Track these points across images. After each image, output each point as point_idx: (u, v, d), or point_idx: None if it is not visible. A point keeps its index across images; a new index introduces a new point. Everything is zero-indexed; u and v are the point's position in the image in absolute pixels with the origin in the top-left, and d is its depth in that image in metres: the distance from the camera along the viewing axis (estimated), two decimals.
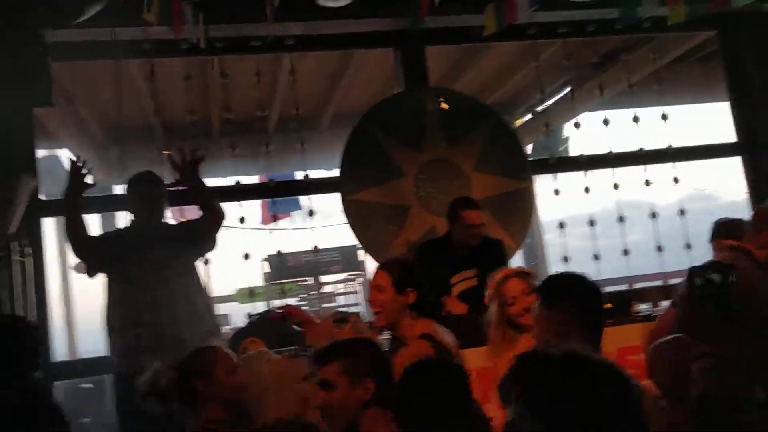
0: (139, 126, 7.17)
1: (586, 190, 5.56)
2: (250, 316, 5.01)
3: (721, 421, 1.83)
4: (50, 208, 4.81)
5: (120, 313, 3.72)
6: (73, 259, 10.36)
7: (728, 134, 5.83)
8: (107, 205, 5.88)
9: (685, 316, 1.99)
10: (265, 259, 11.79)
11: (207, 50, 4.48)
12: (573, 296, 2.01)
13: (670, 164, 5.58)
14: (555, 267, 10.47)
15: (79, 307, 9.93)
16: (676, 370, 2.14)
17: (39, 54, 4.14)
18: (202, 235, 3.95)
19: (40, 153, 7.99)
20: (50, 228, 9.07)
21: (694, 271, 2.02)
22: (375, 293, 2.83)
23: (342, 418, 2.16)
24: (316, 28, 4.92)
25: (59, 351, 5.88)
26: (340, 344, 2.36)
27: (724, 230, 3.03)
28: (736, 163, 5.80)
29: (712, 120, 7.79)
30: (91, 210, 6.38)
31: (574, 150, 7.66)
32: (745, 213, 5.52)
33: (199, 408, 2.57)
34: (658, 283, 5.42)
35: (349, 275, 12.25)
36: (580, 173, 5.53)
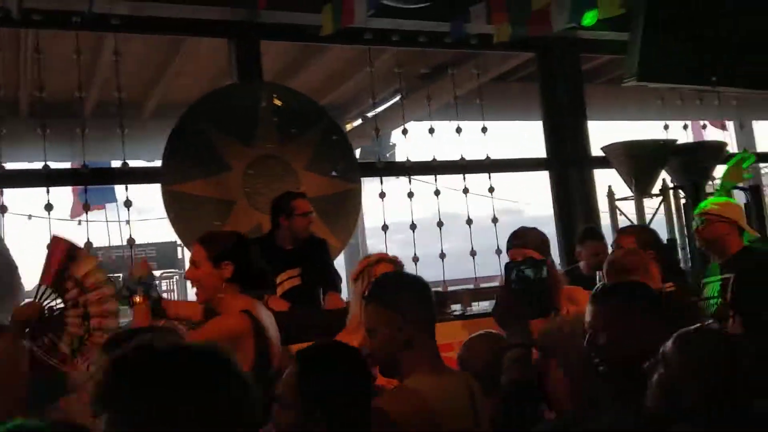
0: None
1: (410, 195, 5.77)
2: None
3: (526, 408, 1.97)
4: None
5: None
6: None
7: (539, 151, 6.31)
8: None
9: (501, 309, 2.11)
10: None
11: (22, 22, 4.12)
12: (411, 295, 2.06)
13: (486, 175, 5.94)
14: None
15: None
16: (485, 359, 2.31)
17: None
18: None
19: None
20: None
21: (508, 266, 2.15)
22: (191, 268, 2.72)
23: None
24: (145, 9, 4.68)
25: None
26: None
27: (518, 240, 3.27)
28: (544, 178, 6.29)
29: (527, 137, 8.40)
30: None
31: (401, 157, 7.92)
32: (550, 226, 6.04)
33: None
34: (470, 286, 5.75)
35: (166, 272, 11.76)
36: (405, 180, 5.75)
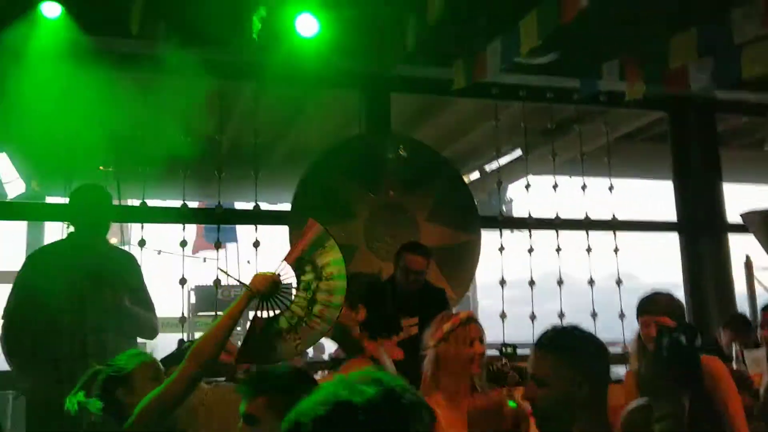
0: (86, 138, 6.93)
1: (530, 250, 5.66)
2: (182, 342, 4.84)
3: None
4: None
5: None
6: None
7: (666, 212, 6.07)
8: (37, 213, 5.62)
9: (650, 377, 2.00)
10: (192, 289, 11.51)
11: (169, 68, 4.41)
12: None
13: (611, 234, 5.75)
14: (489, 324, 10.58)
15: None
16: None
17: None
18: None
19: None
20: None
21: (661, 331, 2.03)
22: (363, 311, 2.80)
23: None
24: (287, 60, 4.90)
25: None
26: (270, 377, 2.20)
27: (651, 306, 3.11)
28: (673, 241, 6.02)
29: (656, 197, 8.11)
30: (19, 217, 6.17)
31: (518, 212, 7.83)
32: (679, 292, 5.75)
33: (124, 417, 2.46)
34: None
35: None
36: (521, 235, 5.66)
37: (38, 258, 3.77)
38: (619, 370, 6.00)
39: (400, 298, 4.16)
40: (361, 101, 5.35)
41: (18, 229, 8.70)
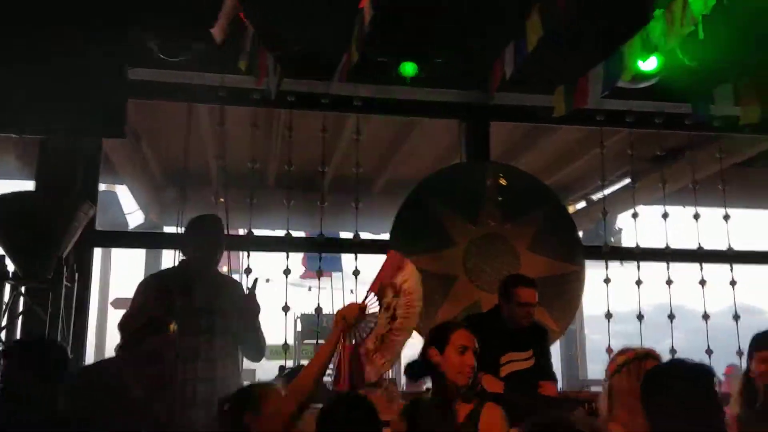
0: (199, 171, 7.30)
1: (638, 282, 5.43)
2: (282, 369, 4.94)
3: None
4: (103, 239, 4.87)
5: None
6: (113, 294, 10.51)
7: None
8: (158, 242, 5.92)
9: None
10: (298, 317, 11.72)
11: (277, 103, 4.58)
12: None
13: (726, 266, 5.44)
14: (594, 358, 10.20)
15: (110, 341, 9.98)
16: None
17: (119, 88, 4.26)
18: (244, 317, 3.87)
19: (100, 187, 8.21)
20: (97, 259, 9.23)
21: None
22: (471, 356, 2.80)
23: None
24: (385, 91, 5.00)
25: None
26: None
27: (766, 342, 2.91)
28: None
29: None
30: (141, 245, 6.51)
31: (627, 243, 7.53)
32: None
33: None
34: None
35: None
36: (630, 267, 5.44)
37: (151, 283, 3.89)
38: None
39: (507, 332, 4.06)
40: (460, 130, 5.35)
41: (137, 258, 9.18)
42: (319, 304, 5.30)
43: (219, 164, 6.32)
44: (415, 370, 2.97)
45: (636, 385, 2.67)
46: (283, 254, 5.20)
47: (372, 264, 5.75)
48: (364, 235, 5.36)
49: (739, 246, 5.55)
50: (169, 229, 7.74)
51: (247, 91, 4.74)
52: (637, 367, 2.77)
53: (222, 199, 6.12)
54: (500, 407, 2.80)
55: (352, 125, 5.48)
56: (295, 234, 6.25)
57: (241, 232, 5.55)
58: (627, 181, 6.71)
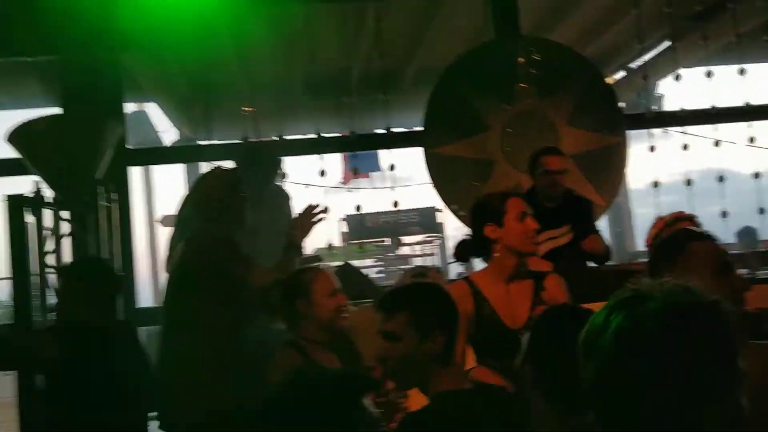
0: (223, 82, 7.18)
1: (684, 147, 5.24)
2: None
3: None
4: (137, 158, 4.87)
5: None
6: (159, 212, 10.69)
7: None
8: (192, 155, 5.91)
9: None
10: (344, 219, 11.83)
11: None
12: None
13: None
14: (642, 233, 10.10)
15: (163, 259, 10.20)
16: None
17: None
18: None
19: (129, 107, 8.18)
20: (137, 178, 9.33)
21: None
22: (533, 221, 2.67)
23: (409, 373, 2.01)
24: None
25: (144, 298, 6.02)
26: (406, 291, 2.17)
27: None
28: None
29: None
30: (175, 160, 6.51)
31: (670, 108, 7.26)
32: None
33: (299, 326, 2.69)
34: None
35: (427, 237, 12.12)
36: (675, 135, 5.24)
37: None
38: None
39: (541, 212, 3.98)
40: (486, 6, 5.09)
41: (179, 175, 9.25)
42: (358, 205, 5.26)
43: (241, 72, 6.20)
44: (468, 249, 2.79)
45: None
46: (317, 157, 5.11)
47: (408, 159, 5.68)
48: (399, 131, 5.25)
49: None
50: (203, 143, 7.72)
51: None
52: (669, 234, 2.69)
53: (250, 108, 6.05)
54: (561, 277, 2.74)
55: (372, 16, 5.26)
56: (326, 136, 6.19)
57: (273, 137, 5.47)
58: (666, 44, 6.37)
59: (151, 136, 7.95)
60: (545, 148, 4.04)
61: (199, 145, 6.89)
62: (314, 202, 3.19)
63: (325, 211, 3.18)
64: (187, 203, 3.46)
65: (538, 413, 1.64)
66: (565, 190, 4.03)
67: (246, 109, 6.05)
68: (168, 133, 8.42)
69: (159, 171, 10.05)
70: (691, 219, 2.89)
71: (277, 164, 4.71)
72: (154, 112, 8.12)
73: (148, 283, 9.49)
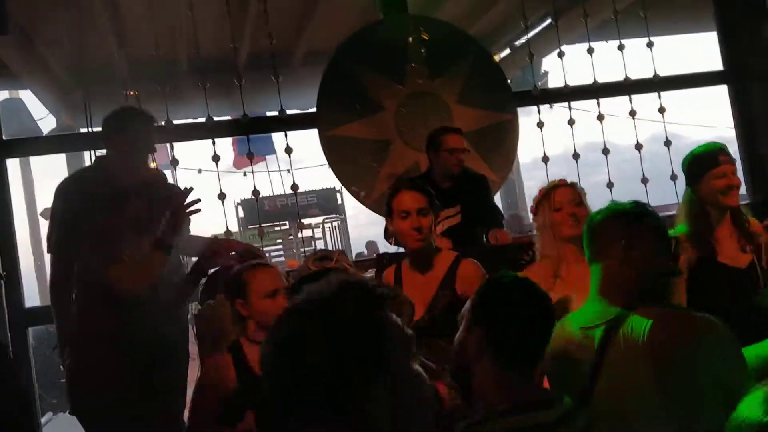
0: (104, 65, 6.83)
1: (570, 122, 5.42)
2: None
3: None
4: (13, 149, 4.56)
5: None
6: (41, 206, 10.10)
7: (716, 64, 5.71)
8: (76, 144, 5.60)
9: None
10: (239, 204, 11.61)
11: None
12: None
13: (654, 99, 5.46)
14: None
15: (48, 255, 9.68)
16: None
17: None
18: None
19: (1, 95, 7.67)
20: (15, 171, 8.79)
21: None
22: (419, 218, 2.75)
23: None
24: None
25: (31, 297, 5.68)
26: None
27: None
28: (723, 92, 5.70)
29: (700, 50, 7.67)
30: (59, 149, 6.15)
31: (555, 84, 7.50)
32: (733, 146, 5.48)
33: (241, 325, 2.57)
34: None
35: (327, 218, 12.10)
36: (560, 110, 5.42)
37: (74, 185, 3.39)
38: None
39: (440, 190, 4.02)
40: None
41: (60, 166, 8.77)
42: (255, 188, 5.13)
43: (121, 55, 5.92)
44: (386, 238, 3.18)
45: (551, 217, 2.86)
46: (209, 142, 4.94)
47: (304, 141, 5.60)
48: (292, 112, 5.15)
49: (665, 72, 5.55)
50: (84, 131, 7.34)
51: None
52: (549, 200, 2.91)
53: (132, 92, 5.78)
54: (476, 262, 2.82)
55: None
56: (218, 120, 6.00)
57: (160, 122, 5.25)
58: (548, 22, 6.57)
59: (28, 124, 7.49)
60: (444, 128, 4.08)
61: (81, 134, 6.54)
62: (186, 189, 2.94)
63: (197, 201, 2.94)
64: None
65: (484, 379, 1.66)
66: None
67: (129, 92, 5.79)
68: (46, 121, 7.98)
69: (38, 161, 9.49)
70: (570, 185, 3.00)
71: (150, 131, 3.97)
72: (29, 98, 7.67)
73: (33, 280, 9.00)
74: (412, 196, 2.80)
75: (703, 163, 2.83)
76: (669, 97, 5.59)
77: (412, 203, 2.78)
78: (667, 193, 5.35)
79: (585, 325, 1.86)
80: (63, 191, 3.37)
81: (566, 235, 2.80)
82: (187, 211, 2.94)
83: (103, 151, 3.66)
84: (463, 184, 4.10)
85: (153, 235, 2.91)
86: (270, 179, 11.20)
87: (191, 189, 2.94)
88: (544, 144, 5.34)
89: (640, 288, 1.84)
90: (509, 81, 7.86)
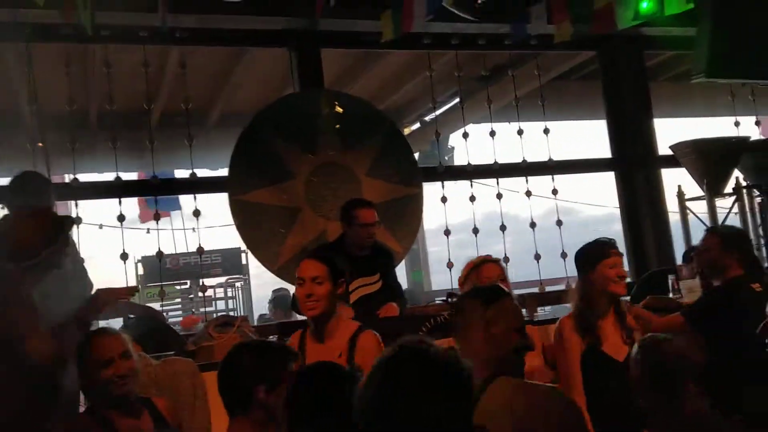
0: (11, 115, 6.67)
1: (471, 198, 5.71)
2: (125, 319, 4.77)
3: None
4: None
5: None
6: None
7: (605, 149, 6.18)
8: None
9: None
10: (139, 261, 11.31)
11: (91, 38, 4.25)
12: None
13: (549, 177, 5.86)
14: (437, 273, 10.72)
15: None
16: None
17: None
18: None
19: None
20: None
21: None
22: (313, 286, 2.78)
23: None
24: (208, 21, 4.78)
25: None
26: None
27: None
28: (608, 177, 6.16)
29: (591, 136, 8.25)
30: None
31: (460, 160, 7.88)
32: (609, 225, 5.91)
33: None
34: (535, 289, 5.68)
35: (230, 279, 11.94)
36: (465, 183, 5.71)
37: None
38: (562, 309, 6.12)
39: (353, 258, 4.12)
40: (291, 59, 5.25)
41: None
42: (159, 248, 5.12)
43: (32, 108, 5.82)
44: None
45: None
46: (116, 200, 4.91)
47: (213, 202, 5.62)
48: (202, 172, 5.20)
49: (559, 156, 5.95)
50: None
51: (55, 26, 4.35)
52: (476, 274, 3.11)
53: (40, 144, 5.68)
54: (375, 333, 2.84)
55: (176, 58, 5.21)
56: (126, 176, 5.96)
57: (66, 178, 5.18)
58: (456, 100, 6.94)
59: None
60: (357, 201, 4.18)
61: None
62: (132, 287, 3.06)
63: (133, 291, 3.03)
64: None
65: None
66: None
67: (39, 144, 5.68)
68: None
69: None
70: (495, 261, 3.20)
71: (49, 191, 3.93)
72: None
73: None
74: (308, 264, 2.86)
75: (596, 253, 3.09)
76: (564, 176, 6.02)
77: (306, 271, 2.84)
78: (558, 267, 5.70)
79: None
80: None
81: None
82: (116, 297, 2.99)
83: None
84: (373, 255, 4.22)
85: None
86: (173, 236, 11.03)
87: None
88: (447, 217, 5.62)
89: (499, 361, 2.03)
90: (418, 154, 8.22)
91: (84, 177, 5.36)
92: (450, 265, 5.58)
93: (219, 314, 9.91)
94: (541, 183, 5.96)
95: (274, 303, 6.32)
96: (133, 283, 10.63)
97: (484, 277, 3.11)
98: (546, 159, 5.84)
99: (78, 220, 4.74)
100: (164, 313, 8.38)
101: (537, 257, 5.78)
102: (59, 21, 4.19)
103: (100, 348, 2.49)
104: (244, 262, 11.51)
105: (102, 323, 3.64)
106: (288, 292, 5.35)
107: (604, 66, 6.14)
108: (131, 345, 2.62)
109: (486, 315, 2.08)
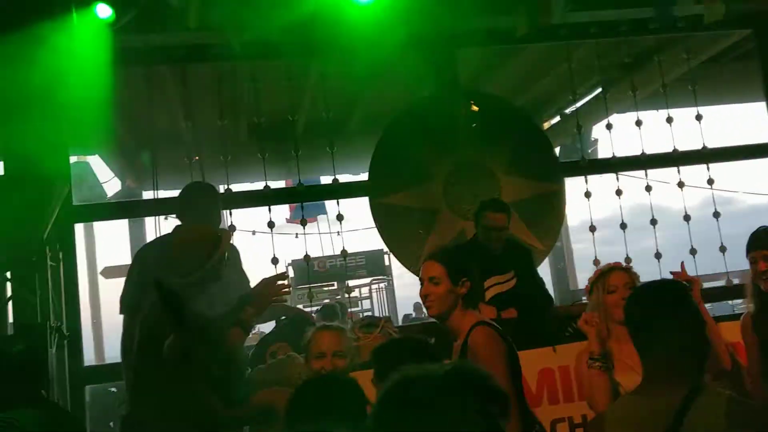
0: (169, 132, 7.18)
1: (618, 192, 5.48)
2: (278, 320, 4.99)
3: None
4: (81, 214, 4.83)
5: None
6: (101, 264, 10.49)
7: (765, 135, 5.74)
8: (138, 210, 5.88)
9: None
10: (290, 264, 11.81)
11: (238, 55, 4.49)
12: None
13: (703, 166, 5.50)
14: (582, 271, 10.39)
15: (105, 312, 10.02)
16: None
17: None
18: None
19: (71, 159, 8.07)
20: (80, 233, 9.19)
21: None
22: (429, 286, 2.79)
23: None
24: (348, 31, 4.88)
25: (87, 356, 5.89)
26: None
27: (759, 241, 2.99)
28: None
29: (748, 121, 7.67)
30: (121, 215, 6.46)
31: (603, 152, 7.57)
32: None
33: None
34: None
35: (375, 279, 12.21)
36: (611, 176, 5.48)
37: (150, 251, 3.76)
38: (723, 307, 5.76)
39: (488, 257, 4.12)
40: (427, 62, 5.26)
41: (121, 226, 9.12)
42: (307, 253, 5.31)
43: (187, 125, 6.24)
44: None
45: (604, 298, 2.98)
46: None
47: (354, 203, 5.77)
48: (345, 177, 5.35)
49: (713, 143, 5.59)
50: (147, 195, 7.66)
51: (205, 47, 4.63)
52: (604, 281, 3.01)
53: (196, 158, 6.07)
54: (489, 328, 2.78)
55: (317, 69, 5.39)
56: (274, 185, 6.25)
57: (220, 189, 5.50)
58: (598, 91, 6.69)
59: (95, 188, 7.87)
60: (490, 203, 4.17)
61: (147, 200, 6.84)
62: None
63: (288, 286, 3.15)
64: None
65: None
66: (507, 237, 4.18)
67: (195, 158, 6.08)
68: (111, 184, 8.35)
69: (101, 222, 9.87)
70: (625, 270, 3.08)
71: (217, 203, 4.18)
72: (96, 162, 8.08)
73: (90, 336, 9.29)
74: (426, 265, 2.87)
75: (747, 244, 2.95)
76: (720, 164, 5.62)
77: (424, 271, 2.85)
78: (716, 261, 5.34)
79: None
80: (141, 256, 3.68)
81: (618, 318, 2.84)
82: (275, 295, 3.12)
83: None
84: (510, 252, 4.18)
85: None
86: (320, 240, 11.41)
87: (285, 275, 3.15)
88: (591, 212, 5.42)
89: None
90: (559, 148, 8.00)
91: (236, 187, 5.69)
92: (596, 262, 5.37)
93: (364, 314, 10.13)
94: (694, 172, 5.62)
95: None
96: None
97: (611, 285, 2.98)
98: (699, 147, 5.49)
99: (232, 229, 5.01)
100: (313, 314, 8.70)
101: (693, 251, 5.43)
102: (209, 41, 4.47)
103: (319, 341, 2.80)
104: (387, 263, 11.73)
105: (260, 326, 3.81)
106: None
107: (761, 44, 5.68)
108: (350, 345, 2.88)
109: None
